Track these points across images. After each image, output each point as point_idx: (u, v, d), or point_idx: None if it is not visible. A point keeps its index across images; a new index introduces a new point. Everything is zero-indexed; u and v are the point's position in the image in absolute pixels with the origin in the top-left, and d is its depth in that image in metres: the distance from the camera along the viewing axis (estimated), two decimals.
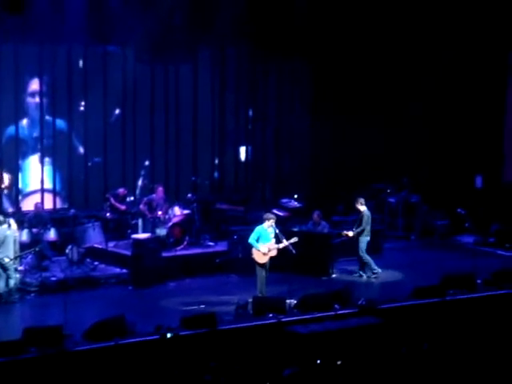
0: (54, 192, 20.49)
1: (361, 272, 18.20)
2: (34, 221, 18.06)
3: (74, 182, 20.72)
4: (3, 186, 19.49)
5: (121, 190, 19.80)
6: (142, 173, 21.39)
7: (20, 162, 20.18)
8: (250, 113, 23.02)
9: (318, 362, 13.08)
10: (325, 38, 22.10)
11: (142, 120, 21.45)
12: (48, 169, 20.49)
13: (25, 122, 20.25)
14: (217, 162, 22.64)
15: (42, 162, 20.33)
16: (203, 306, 15.66)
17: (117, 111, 21.25)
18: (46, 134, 20.37)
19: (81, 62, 20.59)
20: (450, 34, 22.03)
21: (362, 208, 18.21)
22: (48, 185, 20.46)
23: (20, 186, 20.21)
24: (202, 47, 21.90)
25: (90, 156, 20.93)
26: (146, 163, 21.67)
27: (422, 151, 22.98)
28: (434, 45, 22.33)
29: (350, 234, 18.12)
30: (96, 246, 18.42)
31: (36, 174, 20.36)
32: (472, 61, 22.04)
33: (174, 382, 12.76)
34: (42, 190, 20.24)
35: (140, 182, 21.19)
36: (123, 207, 19.53)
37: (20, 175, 20.18)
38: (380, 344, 14.07)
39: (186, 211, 19.28)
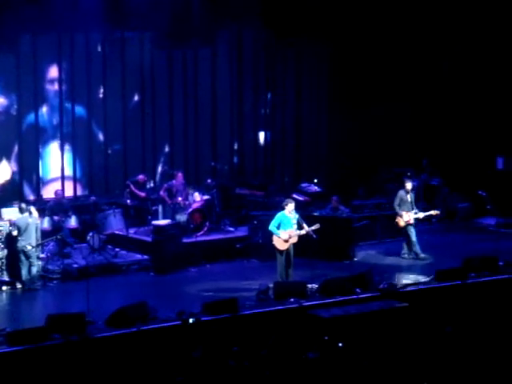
0: (74, 179, 20.56)
1: (408, 252, 18.01)
2: (54, 208, 18.14)
3: (94, 168, 20.77)
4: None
5: (140, 177, 19.82)
6: (162, 159, 21.40)
7: (40, 149, 20.24)
8: (269, 97, 22.95)
9: (340, 345, 13.07)
10: (343, 21, 21.97)
11: (161, 105, 21.45)
12: (68, 156, 20.55)
13: (44, 109, 20.30)
14: (236, 146, 22.61)
15: (61, 149, 20.39)
16: (210, 294, 15.64)
17: (136, 97, 21.25)
18: (65, 121, 20.41)
19: (99, 49, 20.58)
20: (470, 14, 21.84)
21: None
22: (68, 172, 20.52)
23: (40, 173, 20.27)
24: (219, 31, 21.83)
25: (109, 143, 20.96)
26: (166, 150, 21.69)
27: (443, 133, 22.84)
28: (455, 24, 22.14)
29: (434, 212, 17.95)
30: (117, 232, 18.48)
31: (56, 161, 20.42)
32: (494, 40, 21.84)
33: (196, 368, 12.79)
34: (63, 178, 20.31)
35: (160, 169, 21.19)
36: (143, 194, 19.56)
37: (40, 162, 20.25)
38: (402, 327, 14.03)
39: (205, 197, 19.29)
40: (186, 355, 12.99)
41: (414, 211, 17.79)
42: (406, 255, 18.06)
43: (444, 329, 13.52)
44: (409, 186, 17.92)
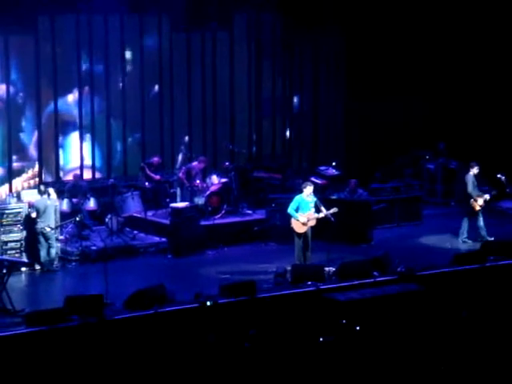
0: (93, 168, 20.52)
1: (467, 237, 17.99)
2: (73, 190, 18.20)
3: (113, 153, 20.74)
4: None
5: (155, 159, 19.80)
6: (182, 147, 21.14)
7: (61, 138, 20.23)
8: (287, 80, 22.89)
9: (357, 329, 13.08)
10: (360, 7, 21.86)
11: (179, 89, 21.41)
12: (87, 145, 20.47)
13: (65, 96, 20.19)
14: (254, 130, 22.57)
15: (81, 138, 20.32)
16: (227, 276, 15.64)
17: (154, 81, 21.21)
18: (84, 109, 20.28)
19: (118, 33, 20.53)
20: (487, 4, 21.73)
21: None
22: (88, 161, 20.47)
23: (61, 162, 20.26)
24: (237, 15, 21.79)
25: (128, 126, 20.91)
26: (185, 132, 21.62)
27: (461, 116, 22.70)
28: (474, 13, 21.99)
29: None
30: (135, 215, 18.53)
31: (76, 150, 20.36)
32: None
33: (213, 350, 12.84)
34: (82, 167, 20.18)
35: (180, 157, 20.82)
36: (157, 177, 19.55)
37: (61, 152, 20.25)
38: (419, 311, 14.01)
39: (223, 180, 19.28)
40: (203, 338, 13.05)
41: (485, 195, 17.78)
42: (466, 239, 17.92)
43: (461, 313, 13.51)
44: (476, 170, 17.89)
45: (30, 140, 19.98)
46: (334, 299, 14.23)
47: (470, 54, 22.46)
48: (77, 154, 20.32)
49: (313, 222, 15.97)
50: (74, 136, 20.39)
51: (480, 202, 17.70)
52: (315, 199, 15.99)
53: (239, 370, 12.05)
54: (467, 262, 16.08)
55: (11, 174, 19.48)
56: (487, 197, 17.82)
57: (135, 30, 20.70)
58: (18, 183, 19.54)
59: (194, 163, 19.39)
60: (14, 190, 19.20)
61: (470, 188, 17.80)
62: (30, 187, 19.40)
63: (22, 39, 19.34)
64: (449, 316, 13.55)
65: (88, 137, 20.46)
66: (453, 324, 13.17)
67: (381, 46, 22.24)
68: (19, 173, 19.67)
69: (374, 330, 13.19)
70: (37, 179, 19.73)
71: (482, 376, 11.81)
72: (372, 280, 15.21)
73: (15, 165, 19.64)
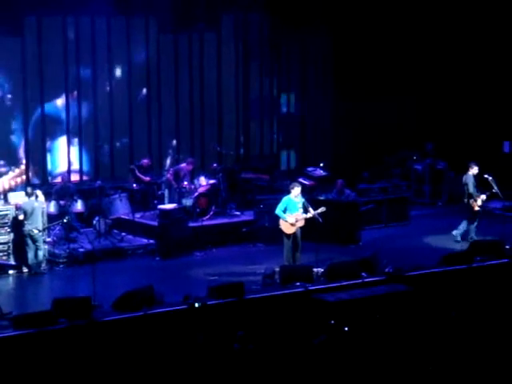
0: (80, 170, 20.46)
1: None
2: (61, 192, 18.15)
3: (101, 160, 20.67)
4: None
5: (145, 161, 19.81)
6: (170, 151, 21.05)
7: (48, 143, 20.15)
8: (275, 81, 22.89)
9: (346, 329, 13.09)
10: (347, 7, 21.90)
11: (167, 90, 21.39)
12: (75, 149, 20.40)
13: (51, 99, 20.09)
14: (242, 131, 22.57)
15: (69, 142, 20.23)
16: (216, 278, 15.65)
17: (141, 82, 21.17)
18: (71, 113, 20.26)
19: (105, 35, 20.47)
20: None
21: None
22: (76, 165, 20.40)
23: (49, 167, 20.19)
24: (225, 16, 21.79)
25: (116, 132, 20.83)
26: (172, 133, 21.57)
27: (449, 117, 22.78)
28: (461, 9, 22.05)
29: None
30: (123, 217, 18.50)
31: (64, 154, 20.29)
32: (500, 24, 21.75)
33: (202, 351, 12.83)
34: (69, 172, 20.10)
35: (169, 160, 20.68)
36: (147, 178, 19.55)
37: (49, 156, 20.17)
38: (408, 311, 14.04)
39: (211, 181, 19.28)
40: (192, 339, 13.03)
41: (482, 195, 17.83)
42: (472, 238, 17.96)
43: (449, 313, 13.54)
44: (475, 170, 17.92)
45: (18, 143, 19.90)
46: (323, 300, 14.24)
47: (458, 55, 22.54)
48: (65, 158, 20.25)
49: (301, 223, 15.99)
50: (62, 140, 20.32)
51: (479, 202, 17.77)
52: (303, 200, 16.01)
53: (228, 371, 12.04)
54: (455, 262, 16.13)
55: None
56: (484, 197, 17.88)
57: (122, 31, 20.67)
58: (4, 181, 19.44)
59: (183, 165, 19.39)
60: (0, 189, 19.12)
61: (471, 188, 17.85)
62: (16, 185, 19.33)
63: (9, 41, 19.26)
64: (437, 316, 13.57)
65: (76, 141, 20.39)
66: (441, 324, 13.20)
67: (368, 46, 22.29)
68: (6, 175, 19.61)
69: (362, 330, 13.20)
70: (24, 177, 19.64)
71: (471, 375, 11.84)
72: (360, 281, 15.23)
73: (2, 170, 19.56)
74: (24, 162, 19.80)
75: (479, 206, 17.82)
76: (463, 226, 18.06)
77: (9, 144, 19.84)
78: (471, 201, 17.84)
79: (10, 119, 19.84)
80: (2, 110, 19.69)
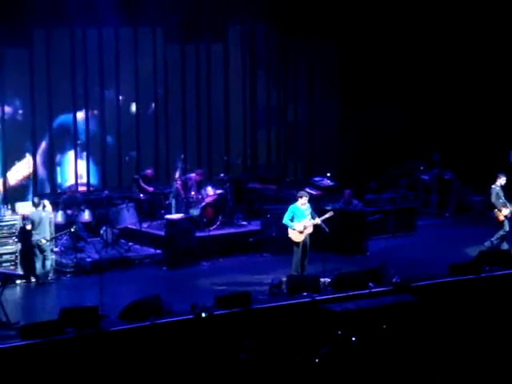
0: (88, 180, 20.51)
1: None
2: (68, 202, 18.18)
3: (109, 174, 20.69)
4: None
5: (148, 172, 19.83)
6: (178, 162, 20.91)
7: (58, 156, 20.24)
8: (281, 91, 22.92)
9: (353, 339, 13.07)
10: (353, 17, 21.94)
11: (174, 100, 21.42)
12: (83, 163, 20.45)
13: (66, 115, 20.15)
14: (249, 141, 22.59)
15: (76, 156, 20.29)
16: (222, 288, 15.65)
17: (149, 92, 21.21)
18: (80, 127, 20.32)
19: (112, 43, 20.53)
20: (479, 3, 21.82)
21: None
22: (84, 179, 20.44)
23: (59, 180, 20.25)
24: (231, 26, 21.86)
25: (123, 134, 20.80)
26: (179, 143, 21.54)
27: (455, 127, 22.75)
28: (464, 17, 22.07)
29: None
30: (130, 226, 18.52)
31: (72, 168, 20.34)
32: (505, 31, 21.76)
33: (209, 361, 12.82)
34: (76, 180, 20.16)
35: (178, 172, 20.54)
36: (151, 189, 19.56)
37: (59, 170, 20.24)
38: (415, 321, 14.02)
39: (218, 191, 19.29)
40: (199, 349, 13.03)
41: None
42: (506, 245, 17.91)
43: (457, 323, 13.52)
44: (503, 181, 17.94)
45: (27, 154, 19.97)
46: (330, 310, 14.23)
47: (464, 64, 22.53)
48: (73, 171, 20.29)
49: (310, 230, 15.94)
50: (71, 154, 20.37)
51: (505, 212, 17.72)
52: (310, 209, 16.00)
53: (235, 381, 12.03)
54: (462, 273, 16.09)
55: (6, 189, 19.39)
56: (510, 208, 17.81)
57: (129, 42, 20.73)
58: (11, 176, 19.48)
59: (192, 175, 19.41)
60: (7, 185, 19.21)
61: (493, 198, 17.84)
62: (24, 179, 19.42)
63: (18, 53, 19.30)
64: (444, 326, 13.55)
65: (84, 154, 20.44)
66: (450, 334, 13.17)
67: (375, 56, 22.30)
68: (15, 190, 19.59)
69: (369, 340, 13.18)
70: (31, 169, 19.65)
71: None
72: (368, 291, 15.21)
73: (12, 182, 19.61)
74: (28, 155, 19.71)
75: (505, 216, 17.72)
76: (497, 235, 17.95)
77: (19, 157, 19.82)
78: (495, 211, 17.82)
79: (19, 133, 19.83)
80: (12, 124, 19.66)
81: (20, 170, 19.74)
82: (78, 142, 20.33)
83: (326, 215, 15.95)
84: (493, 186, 17.96)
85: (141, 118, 21.14)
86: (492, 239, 17.82)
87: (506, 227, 17.81)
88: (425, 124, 22.87)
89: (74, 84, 20.16)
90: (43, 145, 20.04)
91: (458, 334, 13.36)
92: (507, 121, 22.11)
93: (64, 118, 20.24)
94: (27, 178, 19.73)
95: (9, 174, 19.51)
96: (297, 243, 15.97)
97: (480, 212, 21.36)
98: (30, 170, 19.74)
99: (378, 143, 22.30)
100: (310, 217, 15.93)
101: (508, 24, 21.83)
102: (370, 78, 22.37)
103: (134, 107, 20.99)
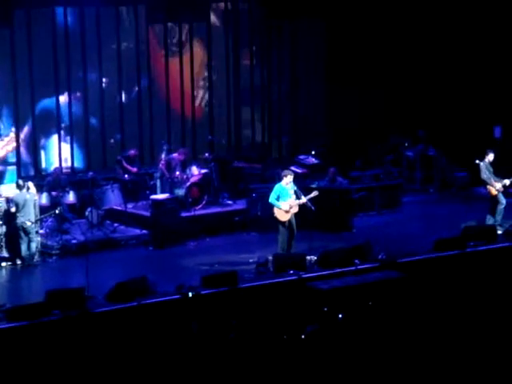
0: (72, 162, 20.39)
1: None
2: (52, 184, 18.11)
3: (93, 157, 20.56)
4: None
5: (131, 152, 19.74)
6: (163, 142, 20.72)
7: (43, 140, 20.12)
8: (265, 70, 22.84)
9: (340, 316, 13.11)
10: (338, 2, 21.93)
11: (157, 80, 21.33)
12: (67, 146, 20.32)
13: (42, 94, 19.96)
14: (233, 120, 22.52)
15: (60, 139, 20.17)
16: (209, 267, 15.66)
17: (131, 72, 21.08)
18: (63, 110, 20.18)
19: (93, 25, 20.36)
20: None
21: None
22: (68, 163, 20.34)
23: (44, 165, 20.15)
24: (214, 3, 21.75)
25: (107, 124, 20.71)
26: (163, 123, 21.45)
27: (439, 103, 22.76)
28: (453, 6, 22.05)
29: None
30: (115, 207, 18.47)
31: (56, 151, 20.23)
32: (492, 10, 21.74)
33: (196, 341, 12.84)
34: (60, 162, 20.09)
35: (163, 154, 20.40)
36: (134, 169, 19.49)
37: (43, 154, 20.11)
38: (401, 298, 14.07)
39: (203, 171, 19.26)
40: (186, 329, 13.04)
41: (504, 180, 17.85)
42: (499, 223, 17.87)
43: (443, 298, 13.58)
44: (491, 157, 17.99)
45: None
46: (316, 288, 14.26)
47: (448, 42, 22.49)
48: (57, 154, 20.17)
49: (295, 209, 15.96)
50: (55, 138, 20.24)
51: (498, 186, 17.77)
52: (295, 187, 16.00)
53: (223, 360, 12.06)
54: (447, 248, 16.16)
55: None
56: (507, 182, 17.89)
57: (112, 22, 20.58)
58: None
59: (175, 154, 19.35)
60: None
61: (483, 175, 17.89)
62: (7, 153, 19.39)
63: None
64: (430, 302, 13.61)
65: (68, 138, 20.31)
66: (434, 310, 13.23)
67: (360, 33, 22.23)
68: None
69: (356, 317, 13.23)
70: (14, 144, 19.55)
71: (464, 362, 11.88)
72: (354, 268, 15.25)
73: None
74: (13, 129, 19.62)
75: (497, 190, 17.78)
76: (498, 211, 17.99)
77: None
78: (487, 186, 17.89)
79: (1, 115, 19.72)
80: None
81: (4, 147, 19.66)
82: (62, 125, 20.24)
83: (311, 194, 15.96)
84: (481, 163, 18.00)
85: (124, 100, 21.01)
86: (496, 218, 17.81)
87: (503, 200, 17.90)
88: (409, 101, 22.86)
89: (56, 66, 19.99)
90: (26, 129, 19.93)
91: (444, 309, 13.42)
92: (491, 97, 22.13)
93: (47, 102, 20.11)
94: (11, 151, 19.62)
95: None
96: (283, 222, 15.98)
97: (463, 187, 21.43)
98: (14, 144, 19.60)
99: (362, 121, 22.31)
100: (294, 196, 15.94)
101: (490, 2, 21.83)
102: (355, 56, 22.32)
103: (117, 89, 20.85)
